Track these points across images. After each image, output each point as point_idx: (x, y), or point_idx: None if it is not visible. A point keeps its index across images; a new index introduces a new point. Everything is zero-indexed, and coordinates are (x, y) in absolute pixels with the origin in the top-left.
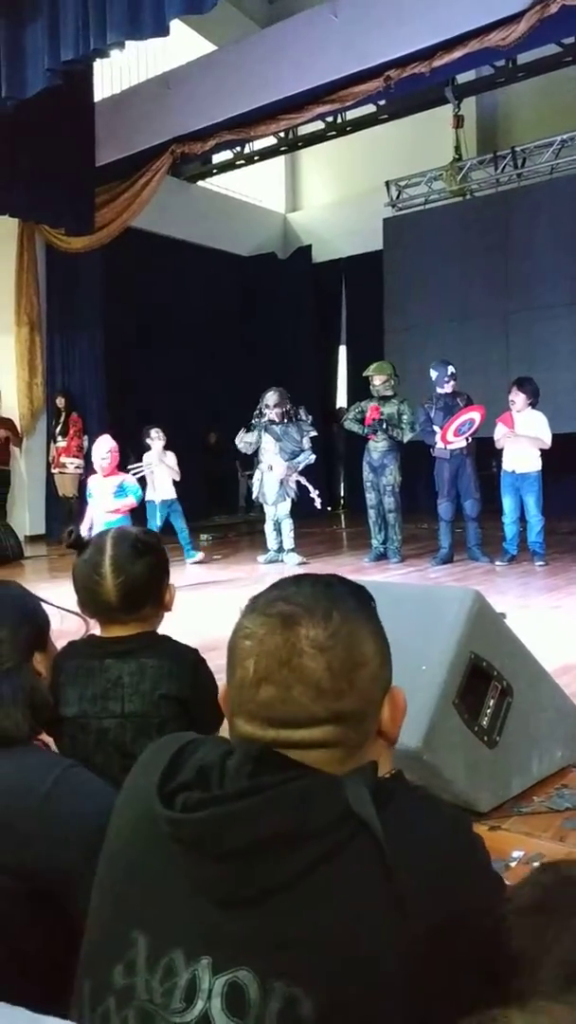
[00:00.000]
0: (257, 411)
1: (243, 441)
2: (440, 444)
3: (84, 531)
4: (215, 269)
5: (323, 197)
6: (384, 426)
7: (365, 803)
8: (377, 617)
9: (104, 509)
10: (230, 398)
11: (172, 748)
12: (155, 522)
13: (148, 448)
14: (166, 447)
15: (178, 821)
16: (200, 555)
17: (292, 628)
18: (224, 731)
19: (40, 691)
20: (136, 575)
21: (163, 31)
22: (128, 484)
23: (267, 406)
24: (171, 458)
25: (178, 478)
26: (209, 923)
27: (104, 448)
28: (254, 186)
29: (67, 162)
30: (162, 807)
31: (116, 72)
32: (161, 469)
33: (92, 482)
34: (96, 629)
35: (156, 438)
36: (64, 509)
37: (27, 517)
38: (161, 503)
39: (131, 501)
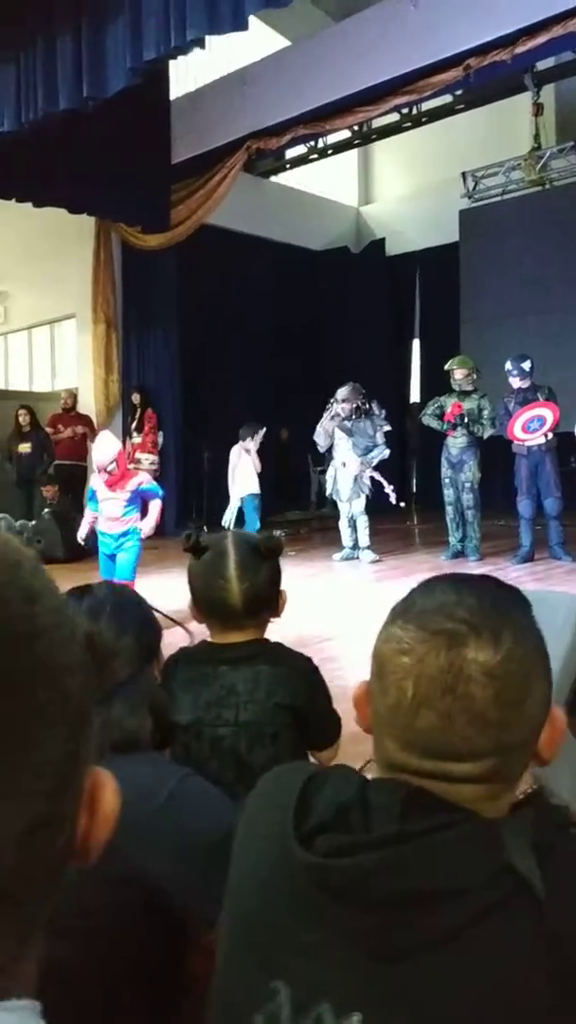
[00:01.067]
0: (328, 407)
1: (319, 436)
2: (516, 441)
3: (81, 538)
4: (288, 264)
5: (396, 189)
6: (465, 421)
7: (528, 860)
8: (539, 628)
9: (109, 516)
10: (302, 394)
11: (297, 782)
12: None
13: (239, 440)
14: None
15: (322, 867)
16: None
17: (458, 650)
18: (351, 741)
19: (161, 697)
20: (261, 581)
21: (242, 25)
22: (146, 486)
23: (336, 400)
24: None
25: (259, 469)
26: (358, 976)
27: (110, 453)
28: (326, 180)
29: (143, 160)
30: (303, 851)
31: (190, 70)
32: (245, 461)
33: (96, 485)
34: (198, 636)
35: (257, 438)
36: None
37: None
38: (248, 496)
39: (157, 508)
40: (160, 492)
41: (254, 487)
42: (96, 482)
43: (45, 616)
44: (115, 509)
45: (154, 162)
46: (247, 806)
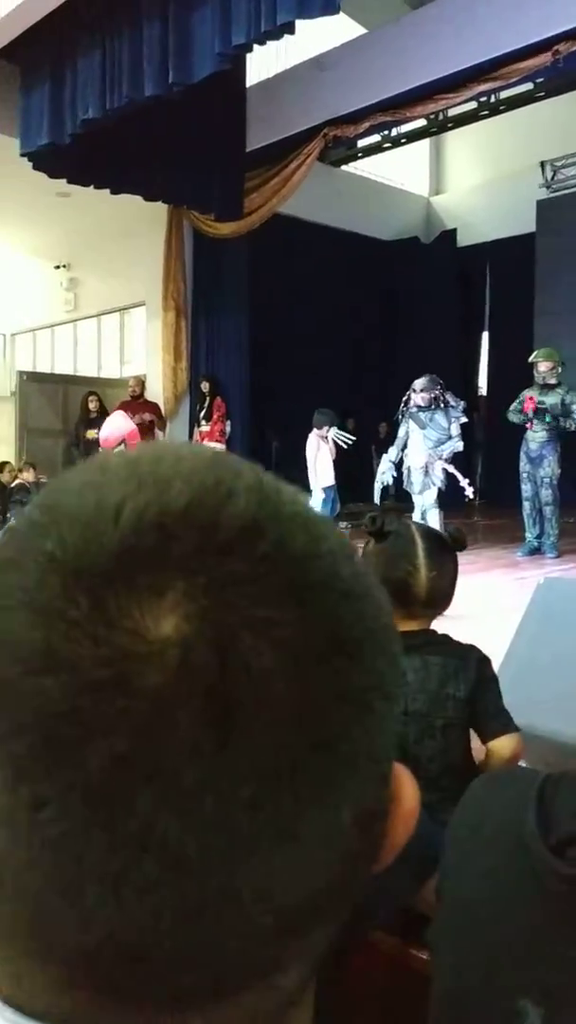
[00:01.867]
0: (403, 402)
1: (385, 465)
2: None
3: None
4: (357, 254)
5: (469, 179)
6: (546, 417)
7: None
8: None
9: None
10: (370, 384)
11: (528, 786)
12: (327, 509)
13: (315, 427)
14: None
15: None
16: None
17: None
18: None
19: None
20: (447, 572)
21: (333, 9)
22: None
23: (414, 391)
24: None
25: (334, 456)
26: None
27: (119, 431)
28: (397, 169)
29: (218, 148)
30: (559, 862)
31: (263, 57)
32: (324, 451)
33: None
34: None
35: (335, 428)
36: None
37: None
38: (326, 488)
39: None
40: None
41: (329, 479)
42: None
43: (364, 576)
44: None
45: (229, 150)
46: (462, 811)
